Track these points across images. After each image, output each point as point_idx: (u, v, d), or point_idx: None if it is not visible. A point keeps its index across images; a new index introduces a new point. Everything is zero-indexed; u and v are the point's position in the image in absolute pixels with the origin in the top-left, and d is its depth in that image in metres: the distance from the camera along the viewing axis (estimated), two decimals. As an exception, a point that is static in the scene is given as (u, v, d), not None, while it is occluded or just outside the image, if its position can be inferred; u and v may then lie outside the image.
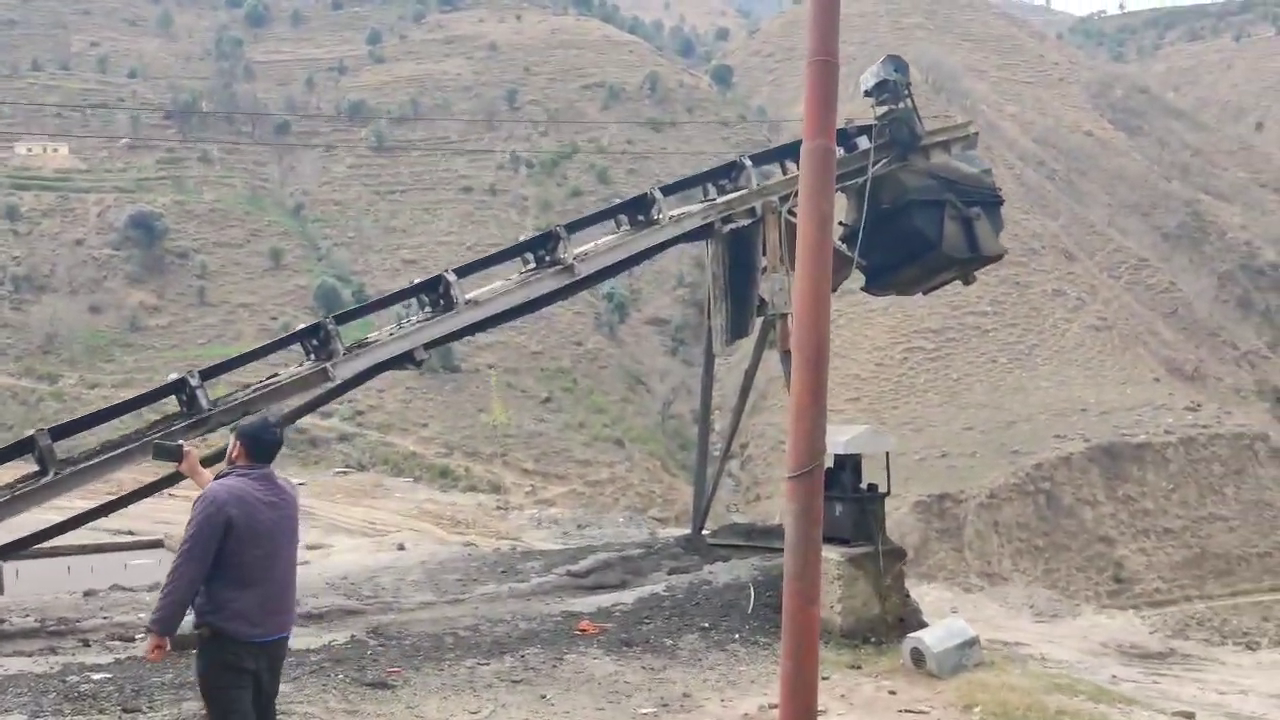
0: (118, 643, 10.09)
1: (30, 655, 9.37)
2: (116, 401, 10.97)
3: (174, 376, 10.38)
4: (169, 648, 5.04)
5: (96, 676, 8.28)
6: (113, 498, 11.17)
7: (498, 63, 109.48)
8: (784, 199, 12.71)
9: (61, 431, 10.08)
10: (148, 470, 16.03)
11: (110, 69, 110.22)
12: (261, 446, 5.35)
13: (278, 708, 5.53)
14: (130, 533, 19.63)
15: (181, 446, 6.04)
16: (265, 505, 5.18)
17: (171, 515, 23.69)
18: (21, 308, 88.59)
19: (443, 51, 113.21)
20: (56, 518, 11.18)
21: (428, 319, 11.65)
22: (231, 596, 5.04)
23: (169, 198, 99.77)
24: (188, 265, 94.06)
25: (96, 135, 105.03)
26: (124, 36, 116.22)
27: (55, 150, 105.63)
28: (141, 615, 11.28)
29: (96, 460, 9.50)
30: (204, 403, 10.07)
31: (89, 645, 9.93)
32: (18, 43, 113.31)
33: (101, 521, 14.38)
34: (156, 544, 18.72)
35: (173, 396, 10.40)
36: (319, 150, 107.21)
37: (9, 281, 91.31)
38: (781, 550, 5.29)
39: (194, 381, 10.06)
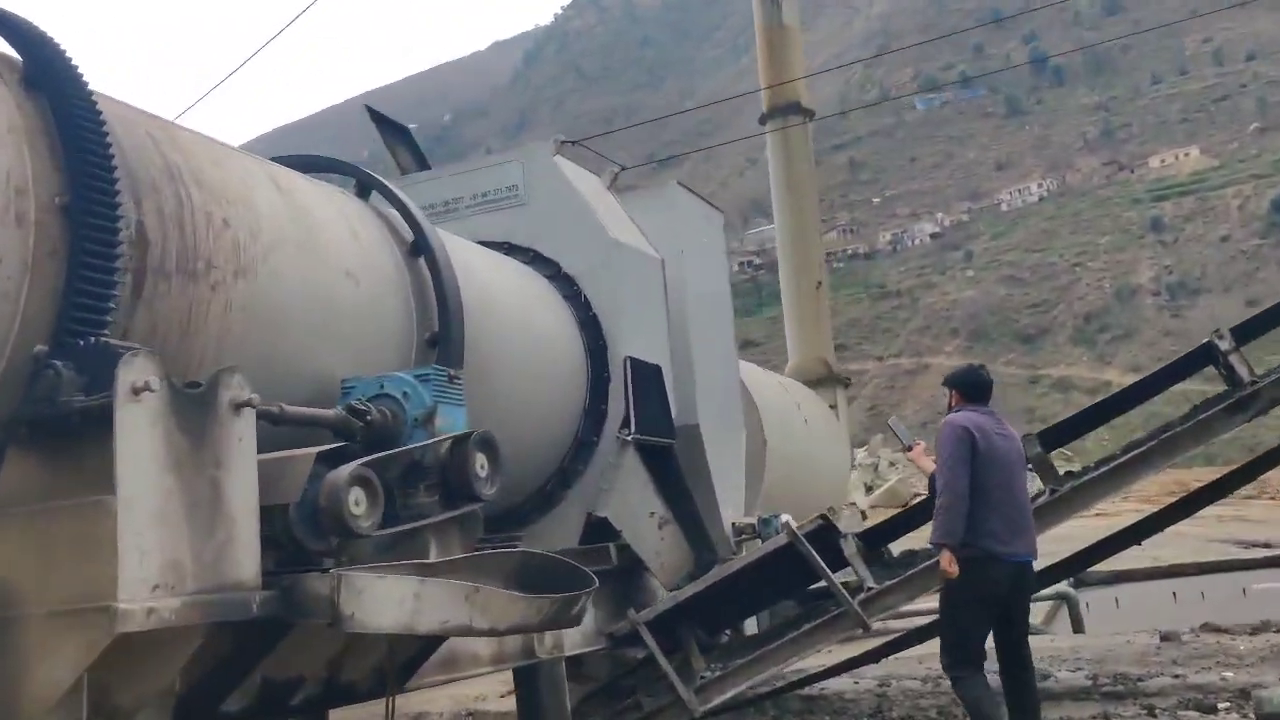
0: (1191, 714, 7.34)
1: (1080, 730, 7.14)
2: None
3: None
4: (955, 563, 5.37)
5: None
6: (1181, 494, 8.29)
7: None
8: None
9: (1059, 432, 7.67)
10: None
11: (1226, 59, 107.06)
12: (974, 388, 5.81)
13: None
14: (1266, 544, 15.61)
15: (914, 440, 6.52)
16: (997, 435, 5.61)
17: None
18: (1180, 313, 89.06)
19: None
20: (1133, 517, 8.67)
21: None
22: (983, 517, 5.43)
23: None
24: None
25: (1223, 129, 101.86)
26: (1234, 23, 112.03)
27: (1186, 154, 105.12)
28: (1227, 674, 8.37)
29: (1096, 473, 6.97)
30: (1243, 373, 6.87)
31: (1154, 716, 7.33)
32: (1135, 63, 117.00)
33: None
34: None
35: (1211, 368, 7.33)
36: None
37: (1164, 291, 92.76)
38: None
39: (1223, 345, 6.92)
